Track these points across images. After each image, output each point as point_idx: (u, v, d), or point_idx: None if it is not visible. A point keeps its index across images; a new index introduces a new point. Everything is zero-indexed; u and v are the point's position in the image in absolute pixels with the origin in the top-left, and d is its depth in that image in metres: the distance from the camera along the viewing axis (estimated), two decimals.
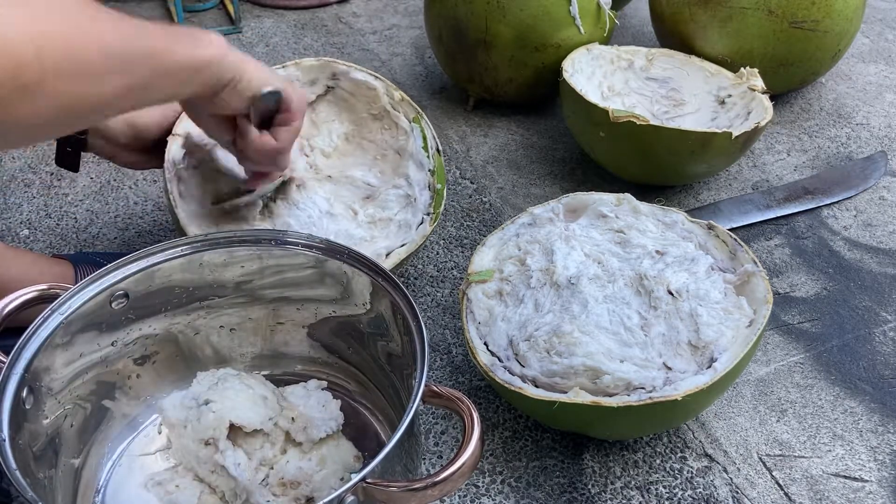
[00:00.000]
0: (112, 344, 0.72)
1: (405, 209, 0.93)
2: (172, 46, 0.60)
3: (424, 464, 0.78)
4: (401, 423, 0.57)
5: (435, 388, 0.61)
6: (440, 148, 0.95)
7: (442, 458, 0.78)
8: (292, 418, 0.72)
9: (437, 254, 1.03)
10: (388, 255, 0.88)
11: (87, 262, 0.91)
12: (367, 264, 0.71)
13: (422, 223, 0.91)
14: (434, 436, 0.81)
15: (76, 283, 0.86)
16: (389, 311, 0.70)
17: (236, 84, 0.68)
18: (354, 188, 0.96)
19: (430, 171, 0.94)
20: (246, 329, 0.79)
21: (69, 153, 0.86)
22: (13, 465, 0.55)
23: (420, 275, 1.00)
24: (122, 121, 0.86)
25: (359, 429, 0.76)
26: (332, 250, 0.73)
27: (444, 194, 0.93)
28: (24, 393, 0.61)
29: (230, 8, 1.56)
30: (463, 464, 0.55)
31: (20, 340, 0.63)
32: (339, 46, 1.50)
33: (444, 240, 1.05)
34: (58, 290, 0.67)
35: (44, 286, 0.67)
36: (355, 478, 0.53)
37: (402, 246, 0.89)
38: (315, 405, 0.73)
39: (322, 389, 0.76)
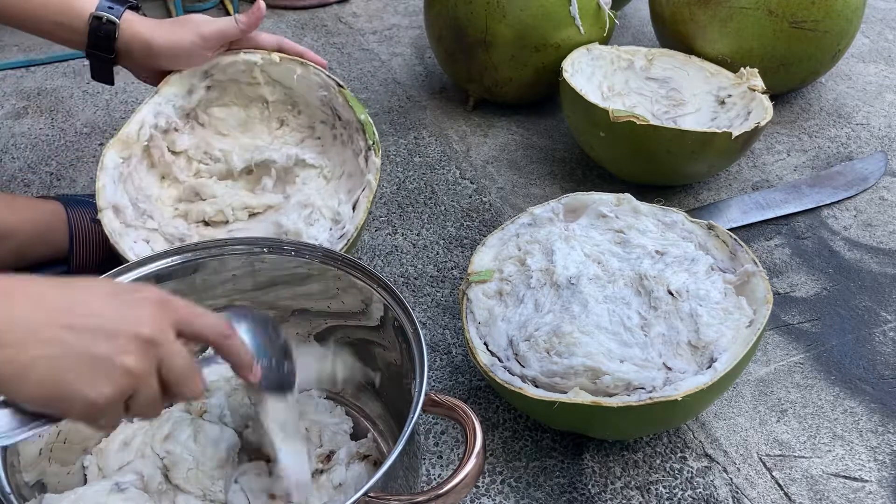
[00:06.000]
0: None
1: (344, 149, 0.92)
2: None
3: (425, 464, 0.78)
4: (401, 435, 0.56)
5: (435, 398, 0.60)
6: (341, 83, 0.92)
7: (442, 458, 0.78)
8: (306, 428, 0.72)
9: (437, 254, 1.03)
10: (354, 206, 0.88)
11: (76, 203, 0.92)
12: (361, 270, 0.70)
13: (367, 160, 0.89)
14: (434, 436, 0.81)
15: (69, 221, 0.89)
16: (386, 319, 0.69)
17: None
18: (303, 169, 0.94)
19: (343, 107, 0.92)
20: None
21: (102, 70, 0.89)
22: (7, 489, 0.55)
23: (420, 275, 1.00)
24: (141, 43, 0.86)
25: (358, 437, 0.75)
26: (327, 257, 0.72)
27: (371, 121, 0.90)
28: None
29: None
30: (466, 475, 0.54)
31: None
32: (339, 46, 1.50)
33: (443, 240, 1.05)
34: None
35: None
36: (357, 493, 0.53)
37: (363, 190, 0.88)
38: (324, 412, 0.73)
39: (321, 398, 0.76)
